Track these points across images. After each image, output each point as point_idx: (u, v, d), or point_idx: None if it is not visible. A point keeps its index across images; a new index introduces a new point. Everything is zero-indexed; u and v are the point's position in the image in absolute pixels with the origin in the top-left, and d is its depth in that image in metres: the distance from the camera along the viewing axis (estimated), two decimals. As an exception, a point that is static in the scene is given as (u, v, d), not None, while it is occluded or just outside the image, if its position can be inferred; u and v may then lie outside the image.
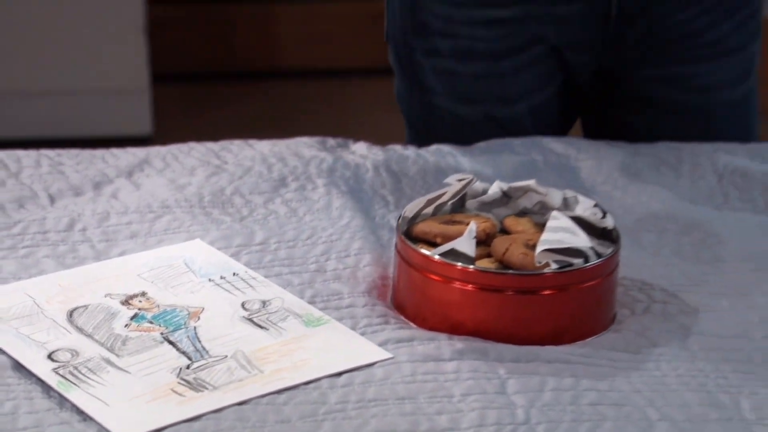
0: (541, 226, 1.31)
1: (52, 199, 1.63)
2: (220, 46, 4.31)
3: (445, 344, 1.26)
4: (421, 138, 1.94)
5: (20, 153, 1.77)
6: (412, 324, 1.32)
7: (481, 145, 1.84)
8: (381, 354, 1.25)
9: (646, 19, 1.85)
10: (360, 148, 1.82)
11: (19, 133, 3.70)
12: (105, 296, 1.36)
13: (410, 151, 1.81)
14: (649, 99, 1.93)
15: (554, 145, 1.82)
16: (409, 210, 1.40)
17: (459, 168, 1.74)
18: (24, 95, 3.95)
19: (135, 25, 3.88)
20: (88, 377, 1.21)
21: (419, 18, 1.92)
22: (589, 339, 1.29)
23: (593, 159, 1.76)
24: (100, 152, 1.78)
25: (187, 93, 4.28)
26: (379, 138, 1.99)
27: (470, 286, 1.28)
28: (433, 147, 1.83)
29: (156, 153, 1.77)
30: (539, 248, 1.26)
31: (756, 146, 1.83)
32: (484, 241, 1.33)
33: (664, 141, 1.88)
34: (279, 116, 4.06)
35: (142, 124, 3.91)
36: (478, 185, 1.47)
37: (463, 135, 1.88)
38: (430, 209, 1.41)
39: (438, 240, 1.33)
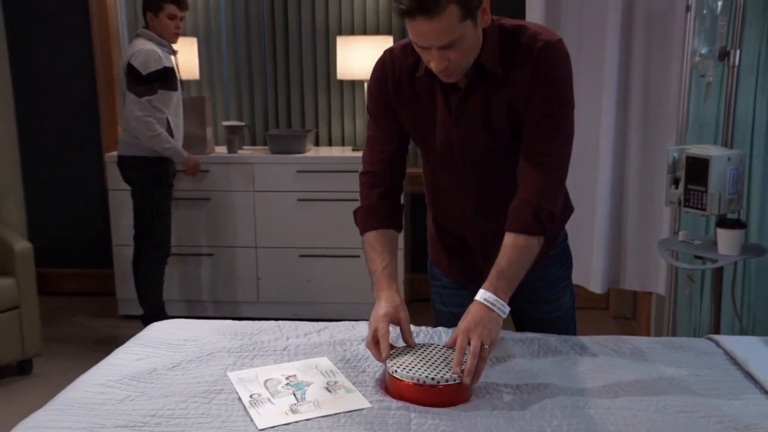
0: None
1: (287, 338, 1.79)
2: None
3: (395, 404, 1.44)
4: (436, 322, 1.94)
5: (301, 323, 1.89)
6: (387, 396, 1.48)
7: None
8: (367, 404, 1.44)
9: (528, 291, 1.76)
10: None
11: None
12: (281, 375, 1.57)
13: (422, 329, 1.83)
14: (528, 317, 1.90)
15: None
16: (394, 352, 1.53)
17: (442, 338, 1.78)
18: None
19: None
20: (260, 404, 1.44)
21: (432, 271, 1.94)
22: (456, 406, 1.44)
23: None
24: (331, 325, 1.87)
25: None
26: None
27: (410, 382, 1.45)
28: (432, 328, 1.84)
29: (335, 326, 1.87)
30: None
31: (569, 337, 1.81)
32: None
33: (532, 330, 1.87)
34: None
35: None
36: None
37: (445, 322, 1.88)
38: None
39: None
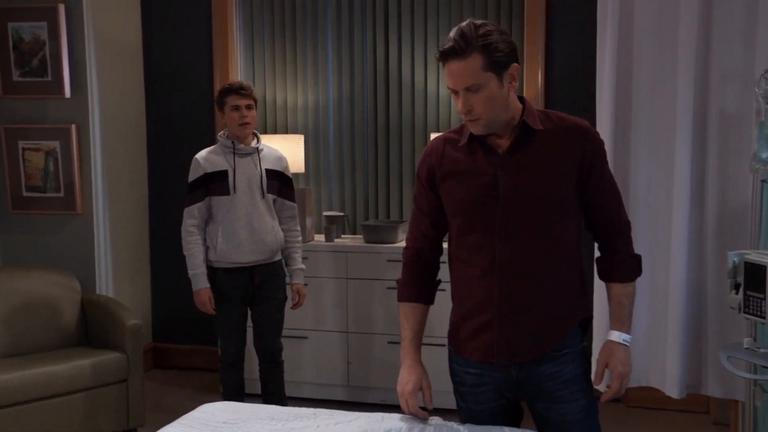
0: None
1: (317, 426, 1.80)
2: None
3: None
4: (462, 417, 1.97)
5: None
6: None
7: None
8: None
9: (546, 390, 1.86)
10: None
11: None
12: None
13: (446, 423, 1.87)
14: (551, 417, 1.89)
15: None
16: None
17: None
18: None
19: None
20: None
21: (452, 368, 1.98)
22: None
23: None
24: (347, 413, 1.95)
25: None
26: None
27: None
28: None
29: (367, 416, 1.88)
30: None
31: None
32: None
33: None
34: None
35: None
36: None
37: (465, 417, 1.94)
38: None
39: None
